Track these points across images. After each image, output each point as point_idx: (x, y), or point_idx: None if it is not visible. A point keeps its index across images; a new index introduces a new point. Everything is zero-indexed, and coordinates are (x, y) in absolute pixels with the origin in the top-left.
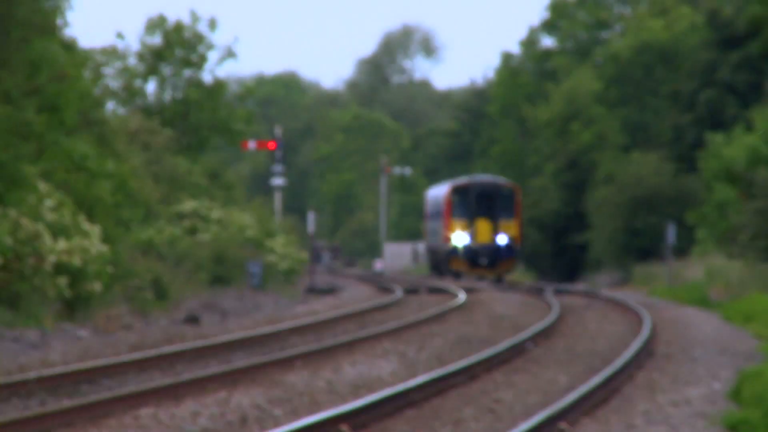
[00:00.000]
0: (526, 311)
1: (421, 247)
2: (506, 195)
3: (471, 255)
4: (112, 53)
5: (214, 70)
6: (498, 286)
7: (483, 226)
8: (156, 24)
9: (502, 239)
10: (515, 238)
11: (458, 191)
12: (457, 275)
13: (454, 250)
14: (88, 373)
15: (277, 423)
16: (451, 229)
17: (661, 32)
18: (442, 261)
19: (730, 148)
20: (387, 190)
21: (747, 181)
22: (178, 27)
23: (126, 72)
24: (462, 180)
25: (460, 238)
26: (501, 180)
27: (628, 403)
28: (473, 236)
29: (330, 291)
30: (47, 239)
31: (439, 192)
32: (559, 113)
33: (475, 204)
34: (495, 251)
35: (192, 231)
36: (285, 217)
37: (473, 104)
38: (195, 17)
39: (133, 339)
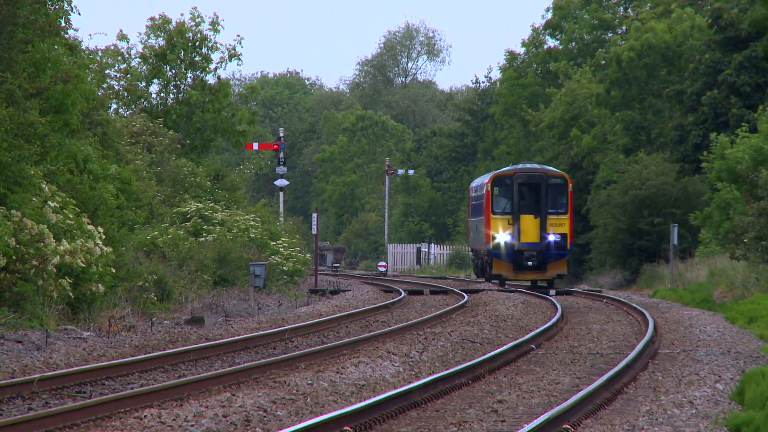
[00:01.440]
0: (528, 312)
1: (423, 248)
2: (556, 186)
3: (515, 257)
4: (115, 54)
5: (217, 71)
6: (498, 285)
7: (528, 222)
8: (158, 25)
9: (551, 237)
10: (567, 236)
11: (499, 182)
12: (500, 281)
13: (496, 251)
14: (91, 374)
15: (281, 424)
16: (491, 227)
17: (664, 33)
18: (485, 264)
19: (735, 148)
20: (390, 191)
21: (751, 181)
22: (181, 28)
23: (129, 73)
24: (504, 169)
25: (502, 238)
26: (550, 168)
27: (632, 403)
28: (517, 235)
29: (334, 292)
30: (50, 240)
31: (480, 183)
32: (561, 115)
33: (519, 197)
34: (543, 252)
35: (195, 232)
36: (288, 218)
37: (477, 105)
38: (196, 18)
39: (137, 340)
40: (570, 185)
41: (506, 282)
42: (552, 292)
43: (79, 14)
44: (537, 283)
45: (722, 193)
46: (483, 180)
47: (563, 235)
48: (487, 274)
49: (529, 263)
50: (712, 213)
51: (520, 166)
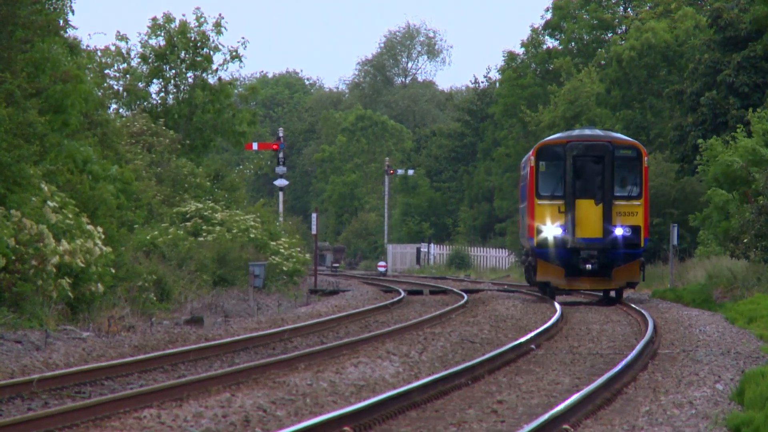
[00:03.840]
0: (528, 312)
1: (423, 248)
2: (625, 160)
3: (568, 257)
4: (115, 54)
5: (218, 71)
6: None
7: (587, 210)
8: (159, 25)
9: (618, 231)
10: (640, 229)
11: (547, 154)
12: (548, 291)
13: (542, 249)
14: (90, 375)
15: (281, 424)
16: (536, 216)
17: (664, 33)
18: (530, 267)
19: (730, 150)
20: (390, 191)
21: (748, 182)
22: (183, 28)
23: (129, 73)
24: (554, 136)
25: (550, 231)
26: (617, 135)
27: (632, 404)
28: (571, 227)
29: (333, 292)
30: (50, 240)
31: (526, 158)
32: (561, 115)
33: (575, 174)
34: (607, 251)
35: (195, 232)
36: (288, 218)
37: (476, 105)
38: (199, 18)
39: (136, 340)
40: (645, 159)
41: (557, 292)
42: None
43: (73, 12)
44: (610, 293)
45: (717, 197)
46: (529, 153)
47: (635, 228)
48: (536, 282)
49: (588, 267)
50: (711, 214)
51: (576, 132)
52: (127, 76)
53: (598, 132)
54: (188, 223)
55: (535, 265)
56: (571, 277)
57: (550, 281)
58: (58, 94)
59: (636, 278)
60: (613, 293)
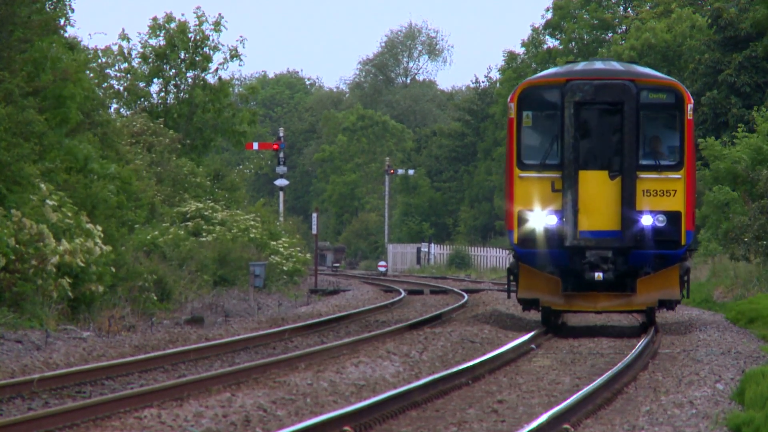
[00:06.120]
0: (528, 311)
1: (424, 248)
2: (657, 108)
3: (566, 260)
4: (117, 54)
5: (218, 71)
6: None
7: (598, 187)
8: (160, 25)
9: (645, 219)
10: (680, 216)
11: (535, 100)
12: (542, 312)
13: (527, 248)
14: (91, 374)
15: (281, 424)
16: (516, 198)
17: (664, 33)
18: (511, 273)
19: (734, 148)
20: (390, 191)
21: (751, 181)
22: (183, 28)
23: (130, 73)
24: (547, 72)
25: (538, 220)
26: (643, 71)
27: (632, 403)
28: (572, 214)
29: (334, 292)
30: (50, 240)
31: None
32: None
33: (577, 131)
34: (627, 250)
35: (195, 232)
36: (288, 217)
37: (477, 105)
38: (200, 18)
39: (136, 340)
40: (689, 107)
41: (554, 315)
42: None
43: (73, 11)
44: (654, 314)
45: (717, 194)
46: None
47: (672, 216)
48: (517, 298)
49: (599, 275)
50: (712, 212)
51: (581, 66)
52: (128, 75)
53: (614, 65)
54: (189, 223)
55: (516, 272)
56: (573, 292)
57: (539, 298)
58: (57, 90)
59: (674, 293)
60: (643, 316)
